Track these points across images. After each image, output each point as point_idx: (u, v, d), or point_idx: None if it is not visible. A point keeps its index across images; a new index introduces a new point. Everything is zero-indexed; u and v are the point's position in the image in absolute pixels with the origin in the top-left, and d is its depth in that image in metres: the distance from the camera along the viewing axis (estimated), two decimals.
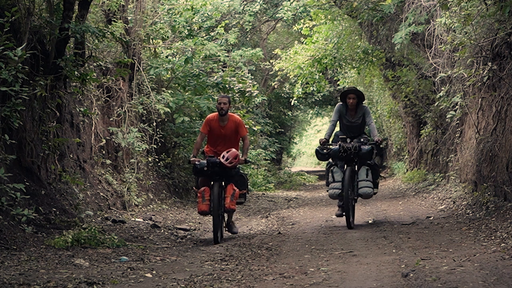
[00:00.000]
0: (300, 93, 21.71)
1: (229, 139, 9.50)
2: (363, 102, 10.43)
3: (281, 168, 30.16)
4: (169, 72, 14.49)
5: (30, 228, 7.75)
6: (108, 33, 10.47)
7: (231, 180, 9.32)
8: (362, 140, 10.11)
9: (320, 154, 10.21)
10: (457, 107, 12.90)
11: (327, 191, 10.24)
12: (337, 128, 10.74)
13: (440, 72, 13.01)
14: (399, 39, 12.71)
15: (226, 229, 9.56)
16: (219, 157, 9.18)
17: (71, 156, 10.56)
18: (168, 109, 13.48)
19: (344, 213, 10.09)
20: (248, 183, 10.20)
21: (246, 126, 16.64)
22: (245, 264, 7.00)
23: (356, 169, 10.05)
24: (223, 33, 17.76)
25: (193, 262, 7.28)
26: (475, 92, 11.95)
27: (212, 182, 9.18)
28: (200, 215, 9.38)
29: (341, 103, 10.38)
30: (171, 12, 15.02)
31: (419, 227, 9.62)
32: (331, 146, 10.09)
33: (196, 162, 9.21)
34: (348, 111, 10.30)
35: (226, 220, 9.52)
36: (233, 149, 9.24)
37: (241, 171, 9.78)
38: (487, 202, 10.04)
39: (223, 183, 9.24)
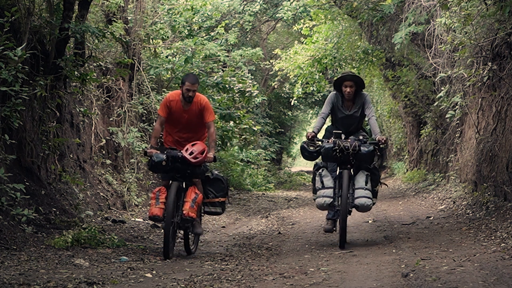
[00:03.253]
0: (300, 93, 21.73)
1: (193, 125, 7.80)
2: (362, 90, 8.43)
3: (281, 168, 30.18)
4: (169, 72, 14.49)
5: (30, 228, 7.75)
6: (108, 33, 10.47)
7: (195, 181, 7.69)
8: (361, 137, 8.16)
9: (307, 152, 8.20)
10: (457, 107, 12.90)
11: (314, 199, 8.29)
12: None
13: (440, 72, 13.01)
14: (399, 39, 12.71)
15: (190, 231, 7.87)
16: (182, 150, 7.48)
17: (71, 156, 10.56)
18: None
19: (334, 228, 8.24)
20: (229, 189, 8.35)
21: (246, 125, 16.85)
22: (245, 264, 7.00)
23: (352, 173, 8.07)
24: (223, 33, 17.76)
25: (193, 262, 7.29)
26: (475, 92, 11.95)
27: (170, 182, 7.55)
28: (151, 221, 7.77)
29: (334, 92, 8.38)
30: (171, 12, 15.02)
31: (419, 227, 9.62)
32: (320, 143, 8.14)
33: (153, 155, 7.46)
34: (344, 102, 8.31)
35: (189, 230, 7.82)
36: (200, 142, 7.54)
37: (220, 174, 8.18)
38: (487, 202, 10.04)
39: (184, 184, 7.61)
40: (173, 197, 7.26)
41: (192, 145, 7.45)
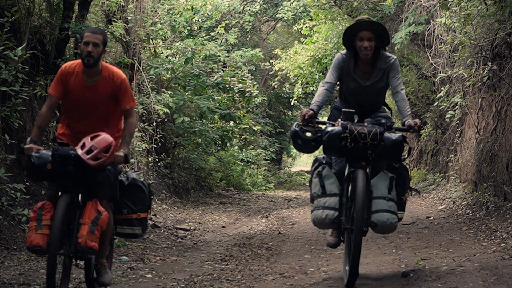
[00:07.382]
0: (300, 93, 21.72)
1: (102, 111, 5.12)
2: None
3: (281, 168, 30.18)
4: (169, 72, 14.50)
5: None
6: (108, 33, 10.47)
7: (97, 192, 4.97)
8: (383, 121, 5.52)
9: (302, 140, 5.34)
10: (457, 107, 12.91)
11: (312, 211, 5.43)
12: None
13: (440, 72, 13.01)
14: (399, 39, 12.70)
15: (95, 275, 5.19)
16: (76, 147, 4.89)
17: None
18: (167, 110, 13.49)
19: (342, 239, 5.47)
20: (152, 199, 5.43)
21: (246, 125, 16.81)
22: (245, 264, 7.00)
23: (368, 175, 5.29)
24: (223, 33, 17.78)
25: (193, 262, 7.29)
26: (475, 92, 11.96)
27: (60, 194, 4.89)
28: (31, 253, 5.28)
29: (344, 52, 5.53)
30: (171, 12, 15.03)
31: (419, 227, 9.61)
32: (322, 126, 5.39)
33: (33, 153, 4.90)
34: (359, 66, 5.48)
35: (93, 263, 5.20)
36: (104, 134, 4.90)
37: (140, 178, 5.38)
38: (487, 202, 10.04)
39: (79, 197, 4.93)
40: (61, 218, 4.66)
41: (92, 138, 4.86)
